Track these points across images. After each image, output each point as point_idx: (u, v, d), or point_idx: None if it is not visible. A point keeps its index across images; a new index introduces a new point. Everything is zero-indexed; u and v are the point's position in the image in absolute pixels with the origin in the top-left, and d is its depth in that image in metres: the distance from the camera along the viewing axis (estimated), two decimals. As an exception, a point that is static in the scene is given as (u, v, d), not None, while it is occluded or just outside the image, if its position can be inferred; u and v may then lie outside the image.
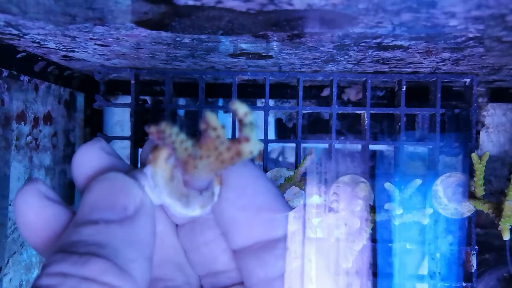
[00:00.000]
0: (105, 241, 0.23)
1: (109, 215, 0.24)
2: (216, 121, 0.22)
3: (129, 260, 0.23)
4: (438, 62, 0.54)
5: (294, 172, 0.57)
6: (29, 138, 0.59)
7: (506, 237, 0.54)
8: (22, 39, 0.46)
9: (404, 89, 0.62)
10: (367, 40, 0.44)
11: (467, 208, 0.59)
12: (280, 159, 0.73)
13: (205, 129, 0.22)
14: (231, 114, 0.65)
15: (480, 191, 0.56)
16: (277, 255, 0.26)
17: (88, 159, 0.27)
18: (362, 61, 0.54)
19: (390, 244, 0.61)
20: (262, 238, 0.26)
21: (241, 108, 0.22)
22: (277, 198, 0.27)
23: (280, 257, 0.26)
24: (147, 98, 0.71)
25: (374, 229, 0.58)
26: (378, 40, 0.44)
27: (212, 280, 0.29)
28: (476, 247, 0.61)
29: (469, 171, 0.60)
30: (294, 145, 0.64)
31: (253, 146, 0.23)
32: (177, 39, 0.44)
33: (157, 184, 0.25)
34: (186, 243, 0.28)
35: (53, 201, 0.25)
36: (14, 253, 0.57)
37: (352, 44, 0.46)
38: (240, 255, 0.27)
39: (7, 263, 0.55)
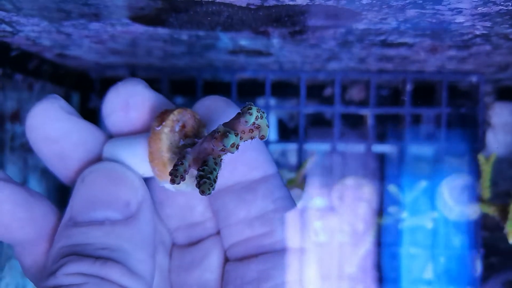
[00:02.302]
0: (115, 245, 0.23)
1: (113, 213, 0.23)
2: (235, 140, 0.22)
3: (139, 262, 0.23)
4: (443, 60, 0.54)
5: (296, 174, 0.57)
6: (23, 139, 0.58)
7: (512, 240, 0.54)
8: (16, 36, 0.46)
9: (409, 88, 0.62)
10: (371, 37, 0.43)
11: (473, 211, 0.59)
12: (281, 160, 0.72)
13: (224, 149, 0.22)
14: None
15: (486, 193, 0.56)
16: (259, 195, 0.26)
17: (48, 119, 0.25)
18: (365, 59, 0.54)
19: (394, 248, 0.60)
20: (245, 177, 0.26)
21: (252, 117, 0.22)
22: (260, 142, 0.27)
23: (262, 197, 0.26)
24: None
25: (378, 233, 0.58)
26: (382, 37, 0.43)
27: (186, 232, 0.28)
28: (481, 250, 0.61)
29: (476, 173, 0.59)
30: (295, 146, 0.64)
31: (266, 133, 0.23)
32: (174, 35, 0.44)
33: (181, 189, 0.25)
34: (161, 195, 0.28)
35: (7, 182, 0.25)
36: (11, 257, 0.56)
37: (356, 41, 0.45)
38: (219, 196, 0.27)
39: (4, 267, 0.55)
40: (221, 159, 0.23)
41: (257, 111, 0.22)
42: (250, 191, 0.26)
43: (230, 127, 0.22)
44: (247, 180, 0.26)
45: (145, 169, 0.25)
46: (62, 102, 0.26)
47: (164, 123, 0.24)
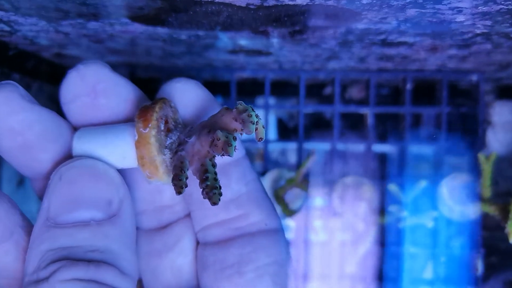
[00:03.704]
0: (103, 246, 0.22)
1: (96, 212, 0.22)
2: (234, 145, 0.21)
3: (127, 261, 0.22)
4: (444, 59, 0.54)
5: (296, 173, 0.57)
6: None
7: (512, 239, 0.54)
8: (14, 36, 0.45)
9: (409, 87, 0.62)
10: (371, 37, 0.43)
11: (473, 210, 0.58)
12: (281, 159, 0.72)
13: (224, 155, 0.22)
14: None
15: (486, 192, 0.56)
16: (233, 179, 0.26)
17: (10, 110, 0.23)
18: (365, 58, 0.54)
19: (394, 247, 0.60)
20: (219, 161, 0.25)
21: (253, 126, 0.22)
22: None
23: (236, 180, 0.26)
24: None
25: (378, 232, 0.58)
26: (382, 37, 0.43)
27: (154, 216, 0.27)
28: (482, 249, 0.61)
29: (476, 172, 0.59)
30: (295, 145, 0.64)
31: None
32: (174, 35, 0.44)
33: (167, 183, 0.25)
34: (128, 179, 0.26)
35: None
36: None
37: (355, 41, 0.45)
38: (193, 179, 0.26)
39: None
40: (215, 157, 0.22)
41: (256, 117, 0.21)
42: (224, 175, 0.26)
43: (225, 127, 0.22)
44: (220, 163, 0.25)
45: (123, 163, 0.25)
46: (21, 89, 0.24)
47: (150, 125, 0.23)
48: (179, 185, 0.22)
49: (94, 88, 0.24)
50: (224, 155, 0.21)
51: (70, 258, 0.21)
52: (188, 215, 0.27)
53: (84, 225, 0.22)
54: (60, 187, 0.23)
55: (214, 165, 0.22)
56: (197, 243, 0.27)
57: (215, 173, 0.22)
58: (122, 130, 0.24)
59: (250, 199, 0.26)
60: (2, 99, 0.23)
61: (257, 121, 0.22)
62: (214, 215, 0.26)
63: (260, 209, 0.26)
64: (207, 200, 0.24)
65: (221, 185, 0.23)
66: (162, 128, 0.24)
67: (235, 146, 0.21)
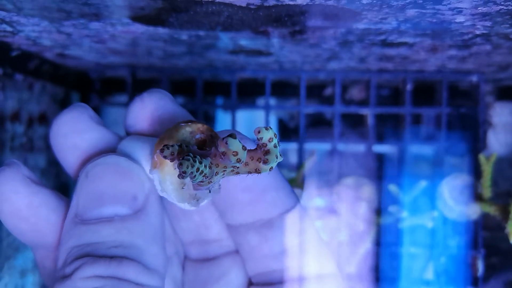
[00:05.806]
0: (127, 241, 0.22)
1: (121, 208, 0.23)
2: (238, 146, 0.21)
3: (153, 256, 0.22)
4: (444, 59, 0.53)
5: (296, 173, 0.57)
6: (23, 139, 0.58)
7: (513, 240, 0.54)
8: (16, 36, 0.45)
9: (409, 88, 0.62)
10: (371, 37, 0.43)
11: (473, 211, 0.58)
12: (282, 160, 0.72)
13: (225, 153, 0.21)
14: (230, 113, 0.64)
15: (487, 193, 0.56)
16: (282, 231, 0.26)
17: (79, 129, 0.25)
18: (365, 58, 0.54)
19: (394, 248, 0.60)
20: (266, 216, 0.26)
21: (266, 134, 0.22)
22: (280, 176, 0.27)
23: (285, 232, 0.26)
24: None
25: (377, 232, 0.58)
26: (383, 37, 0.43)
27: (202, 248, 0.28)
28: (482, 250, 0.60)
29: (476, 173, 0.59)
30: (296, 145, 0.64)
31: (273, 164, 0.23)
32: (175, 35, 0.44)
33: (165, 190, 0.24)
34: (177, 209, 0.27)
35: (41, 186, 0.24)
36: (10, 257, 0.56)
37: (356, 41, 0.45)
38: (240, 231, 0.26)
39: (3, 267, 0.55)
40: (224, 170, 0.22)
41: (275, 136, 0.22)
42: (272, 228, 0.26)
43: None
44: (268, 218, 0.26)
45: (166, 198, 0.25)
46: (91, 111, 0.25)
47: (190, 123, 0.24)
48: (171, 153, 0.21)
49: (152, 115, 0.26)
50: (225, 154, 0.21)
51: (92, 255, 0.21)
52: (237, 251, 0.28)
53: (108, 221, 0.22)
54: (86, 184, 0.24)
55: (215, 170, 0.22)
56: (251, 282, 0.27)
57: (200, 162, 0.21)
58: None
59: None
60: (71, 119, 0.24)
61: (276, 144, 0.22)
62: (266, 265, 0.26)
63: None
64: (257, 253, 0.25)
65: (270, 239, 0.25)
66: (198, 137, 0.24)
67: (238, 159, 0.21)
